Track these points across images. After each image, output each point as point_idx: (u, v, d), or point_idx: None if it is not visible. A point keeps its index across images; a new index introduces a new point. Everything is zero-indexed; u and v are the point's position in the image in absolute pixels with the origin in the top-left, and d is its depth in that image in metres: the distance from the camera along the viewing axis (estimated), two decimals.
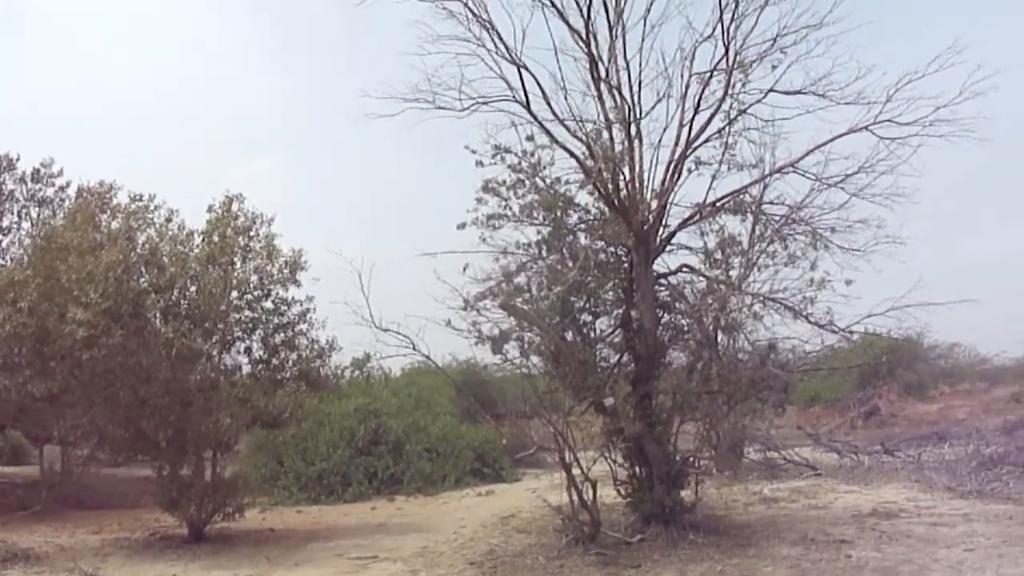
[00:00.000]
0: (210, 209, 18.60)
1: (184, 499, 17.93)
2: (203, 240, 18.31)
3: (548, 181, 15.89)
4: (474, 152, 15.84)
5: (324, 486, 24.70)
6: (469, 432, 27.39)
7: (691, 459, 16.86)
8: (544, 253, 15.99)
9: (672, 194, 16.28)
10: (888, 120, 16.13)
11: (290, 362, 18.91)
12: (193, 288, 17.75)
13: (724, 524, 17.22)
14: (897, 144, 16.19)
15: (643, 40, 16.25)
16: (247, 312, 18.53)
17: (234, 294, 18.20)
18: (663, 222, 16.30)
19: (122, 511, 22.05)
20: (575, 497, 15.36)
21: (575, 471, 15.36)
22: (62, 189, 25.70)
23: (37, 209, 25.45)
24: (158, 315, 17.23)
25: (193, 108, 61.44)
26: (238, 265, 18.35)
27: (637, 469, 16.28)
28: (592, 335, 16.46)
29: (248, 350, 18.76)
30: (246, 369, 18.80)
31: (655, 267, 16.35)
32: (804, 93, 16.33)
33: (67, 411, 21.57)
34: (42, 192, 25.63)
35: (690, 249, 16.91)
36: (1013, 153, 47.31)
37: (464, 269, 15.47)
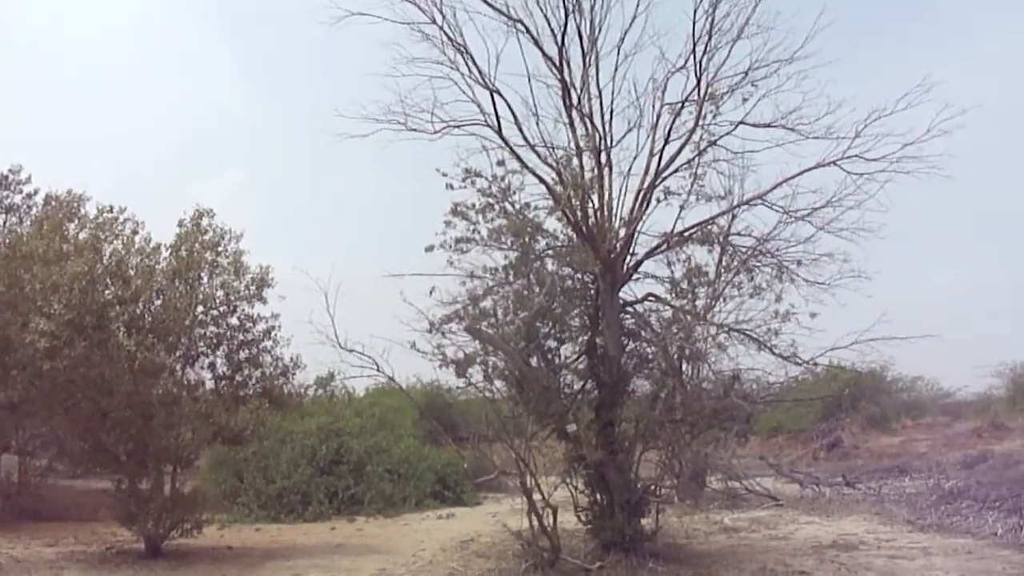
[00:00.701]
0: (180, 223, 18.50)
1: (142, 513, 17.75)
2: (170, 254, 18.20)
3: (517, 206, 15.95)
4: (445, 175, 15.92)
5: (284, 504, 24.51)
6: (431, 454, 27.29)
7: (652, 487, 16.86)
8: (511, 278, 15.99)
9: (640, 223, 16.41)
10: (856, 155, 16.36)
11: (253, 379, 18.81)
12: (158, 301, 17.64)
13: (684, 553, 17.21)
14: (864, 179, 16.41)
15: (616, 69, 16.47)
16: (212, 327, 18.43)
17: (199, 309, 18.10)
18: (630, 250, 16.41)
19: (79, 524, 21.76)
20: (535, 523, 15.33)
21: (536, 496, 15.33)
22: (29, 196, 25.44)
23: (3, 216, 25.21)
24: (122, 327, 17.03)
25: (164, 121, 61.07)
26: (205, 280, 18.27)
27: (598, 496, 16.27)
28: (557, 361, 16.46)
29: (212, 365, 18.65)
30: (209, 385, 18.67)
31: (621, 295, 16.43)
32: (774, 126, 16.54)
33: (26, 421, 21.40)
34: (9, 199, 25.38)
35: (657, 278, 17.07)
36: (978, 189, 47.93)
37: (431, 292, 15.50)
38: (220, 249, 18.45)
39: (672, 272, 17.03)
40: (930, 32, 60.07)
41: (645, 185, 16.29)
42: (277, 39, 61.94)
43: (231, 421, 18.28)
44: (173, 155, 59.79)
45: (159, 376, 17.61)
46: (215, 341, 18.49)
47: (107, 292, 17.11)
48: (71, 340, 15.96)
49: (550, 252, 16.28)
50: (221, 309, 18.48)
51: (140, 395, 17.00)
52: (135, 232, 18.10)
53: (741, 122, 16.59)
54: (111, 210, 18.31)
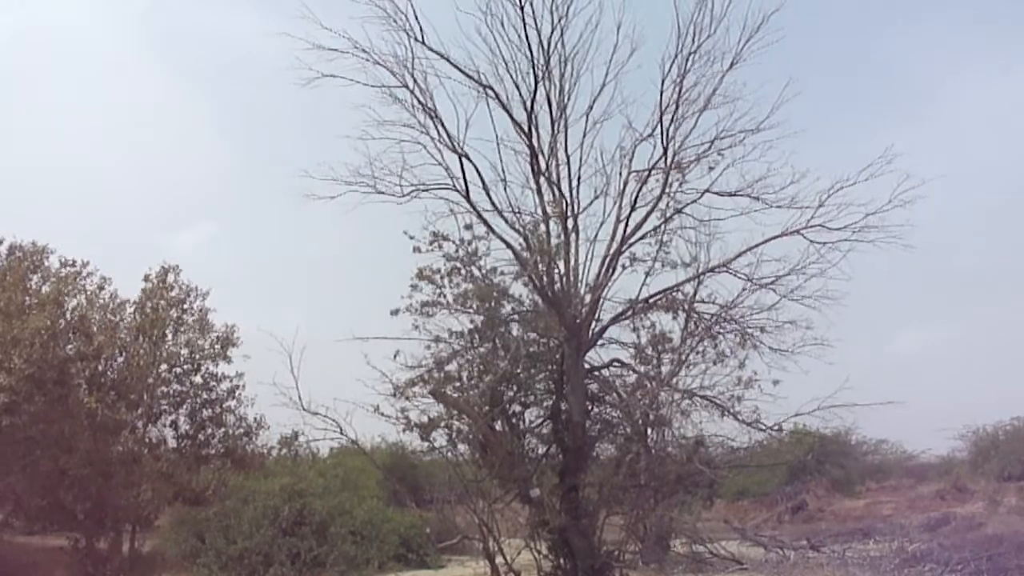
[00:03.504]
0: (146, 279, 18.43)
1: (99, 574, 17.52)
2: (135, 310, 18.12)
3: (483, 271, 15.97)
4: (412, 238, 15.91)
5: (245, 566, 24.01)
6: (395, 516, 26.88)
7: (616, 552, 16.82)
8: (476, 342, 15.97)
9: (606, 289, 16.46)
10: (819, 224, 16.52)
11: (216, 438, 18.72)
12: (121, 358, 17.54)
13: None
14: (827, 248, 16.54)
15: (584, 136, 16.59)
16: (175, 385, 18.37)
17: (163, 366, 18.01)
18: (596, 316, 16.43)
19: None
20: None
21: (499, 561, 15.28)
22: None
23: None
24: (83, 384, 16.92)
25: (129, 174, 60.58)
26: (169, 337, 18.20)
27: (562, 560, 16.17)
28: (521, 425, 16.44)
29: (174, 424, 18.55)
30: (171, 443, 18.52)
31: (586, 360, 16.42)
32: (739, 195, 16.69)
33: None
34: None
35: (622, 344, 17.06)
36: (937, 254, 48.58)
37: (395, 355, 15.42)
38: (186, 306, 18.42)
39: (637, 338, 17.07)
40: (893, 103, 61.10)
41: (611, 251, 16.39)
42: (252, 95, 61.86)
43: (193, 480, 18.13)
44: (141, 207, 59.38)
45: (120, 434, 17.50)
46: (178, 399, 18.40)
47: (69, 347, 17.02)
48: (31, 396, 15.81)
49: (516, 317, 16.29)
50: (185, 367, 18.42)
51: (100, 453, 16.86)
52: (100, 287, 18.02)
53: (707, 190, 16.74)
54: (74, 264, 18.24)
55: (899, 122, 53.77)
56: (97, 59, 57.34)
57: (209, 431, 18.63)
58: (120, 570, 17.56)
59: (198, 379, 18.50)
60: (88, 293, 17.97)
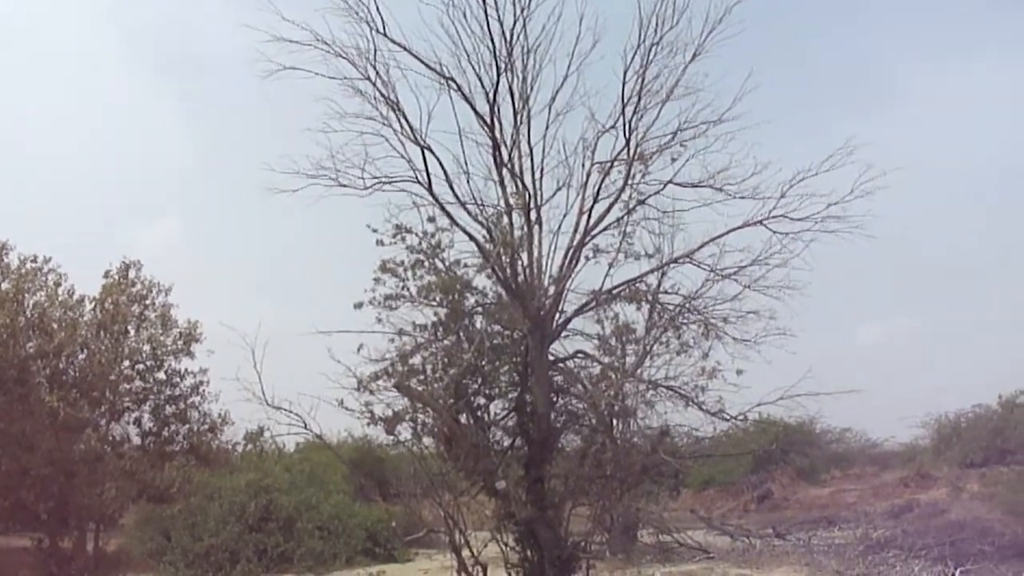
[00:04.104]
0: (106, 275, 18.26)
1: (63, 573, 17.37)
2: (95, 307, 17.94)
3: (447, 263, 15.89)
4: (375, 231, 15.82)
5: (212, 563, 23.93)
6: (362, 511, 26.84)
7: (583, 543, 16.83)
8: (440, 335, 15.93)
9: (569, 280, 16.44)
10: (782, 215, 16.58)
11: (180, 435, 18.59)
12: (82, 355, 17.36)
13: None
14: (790, 238, 16.62)
15: (547, 128, 16.54)
16: (138, 382, 18.23)
17: (125, 363, 17.86)
18: (560, 308, 16.42)
19: None
20: None
21: (465, 554, 15.26)
22: None
23: None
24: (44, 382, 16.75)
25: (91, 169, 59.91)
26: (131, 334, 18.05)
27: (529, 552, 16.12)
28: (486, 418, 16.37)
29: (137, 421, 18.40)
30: (135, 440, 18.37)
31: (551, 352, 16.40)
32: (702, 186, 16.75)
33: None
34: None
35: (586, 335, 17.04)
36: (900, 247, 49.08)
37: (359, 349, 15.36)
38: (148, 302, 18.26)
39: (601, 329, 17.09)
40: (854, 94, 61.57)
41: (574, 243, 16.39)
42: (217, 88, 61.37)
43: (157, 478, 18.02)
44: (103, 202, 58.82)
45: (82, 432, 17.35)
46: (141, 396, 18.27)
47: (29, 345, 16.84)
48: None
49: (479, 309, 16.24)
50: (148, 363, 18.30)
51: (62, 451, 16.72)
52: (58, 284, 17.82)
53: (670, 182, 16.79)
54: (35, 260, 18.03)
55: (861, 113, 54.31)
56: (60, 51, 56.82)
57: (173, 428, 18.52)
58: (85, 569, 17.42)
59: (161, 375, 18.39)
60: (48, 290, 17.74)
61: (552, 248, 16.47)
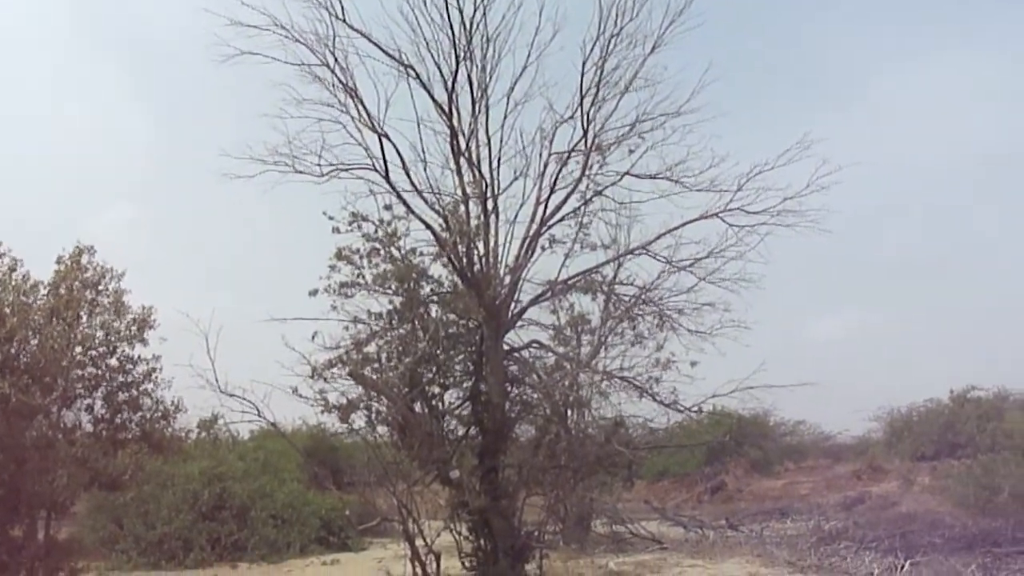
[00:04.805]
0: (59, 260, 18.01)
1: (14, 563, 17.05)
2: (48, 292, 17.70)
3: (403, 251, 15.86)
4: (332, 218, 15.75)
5: (165, 551, 23.80)
6: (316, 499, 26.76)
7: (536, 532, 16.91)
8: (395, 323, 15.90)
9: (525, 270, 16.56)
10: (738, 208, 16.80)
11: (133, 422, 18.36)
12: (34, 341, 17.07)
13: None
14: (746, 231, 16.82)
15: (505, 117, 16.64)
16: (91, 368, 17.96)
17: (78, 349, 17.62)
18: (515, 297, 16.51)
19: None
20: (418, 569, 15.27)
21: (419, 542, 15.28)
22: None
23: None
24: None
25: (46, 154, 59.10)
26: (84, 320, 17.81)
27: (482, 541, 16.22)
28: (440, 407, 16.38)
29: (90, 408, 18.13)
30: (87, 427, 18.14)
31: (506, 342, 16.49)
32: (659, 178, 16.90)
33: None
34: None
35: (541, 325, 17.16)
36: (854, 242, 49.72)
37: (313, 337, 15.30)
38: (101, 288, 18.02)
39: (557, 319, 17.21)
40: (812, 90, 62.17)
41: (531, 233, 16.47)
42: (174, 73, 60.73)
43: (109, 465, 17.78)
44: (58, 187, 58.07)
45: (33, 418, 17.04)
46: (93, 383, 18.01)
47: None
48: None
49: (435, 298, 16.24)
50: (100, 350, 18.03)
51: (13, 438, 16.38)
52: (12, 269, 17.54)
53: (627, 173, 16.93)
54: None
55: (819, 109, 54.92)
56: (9, 32, 55.93)
57: (126, 415, 18.25)
58: (36, 558, 17.12)
59: (114, 362, 18.12)
60: (2, 275, 17.46)
61: (508, 238, 16.59)
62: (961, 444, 39.06)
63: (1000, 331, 56.97)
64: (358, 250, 15.66)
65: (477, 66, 16.32)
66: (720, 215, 16.83)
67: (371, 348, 15.81)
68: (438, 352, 16.05)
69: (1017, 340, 55.14)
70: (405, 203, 15.90)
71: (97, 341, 17.94)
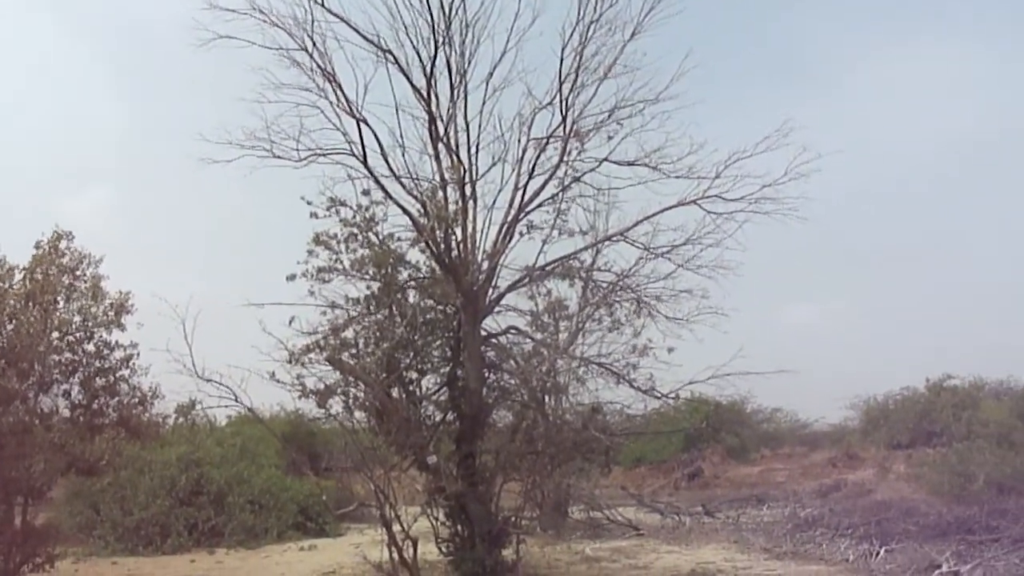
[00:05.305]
0: (37, 245, 17.90)
1: None
2: (24, 276, 17.60)
3: (381, 237, 15.82)
4: (309, 203, 15.68)
5: (142, 536, 23.81)
6: (294, 485, 26.78)
7: (513, 518, 16.98)
8: (373, 309, 15.89)
9: (503, 256, 16.57)
10: (716, 195, 16.85)
11: (110, 408, 18.26)
12: (10, 326, 16.98)
13: None
14: (724, 219, 16.89)
15: (483, 103, 16.61)
16: (68, 354, 17.85)
17: (55, 334, 17.52)
18: (493, 283, 16.52)
19: None
20: (395, 554, 15.31)
21: (396, 528, 15.31)
22: None
23: None
24: None
25: (21, 137, 58.74)
26: (61, 305, 17.70)
27: (459, 527, 16.29)
28: (418, 393, 16.39)
29: (67, 393, 18.02)
30: (64, 413, 18.05)
31: (483, 327, 16.50)
32: (637, 165, 16.93)
33: None
34: None
35: (519, 311, 17.15)
36: (831, 229, 50.06)
37: (291, 322, 15.29)
38: (78, 273, 17.92)
39: (535, 305, 17.21)
40: (791, 78, 62.42)
41: (509, 219, 16.49)
42: (151, 56, 60.42)
43: (86, 451, 17.70)
44: (34, 171, 57.72)
45: (10, 404, 16.96)
46: (70, 368, 17.89)
47: None
48: None
49: (412, 284, 16.25)
50: (77, 335, 17.90)
51: None
52: None
53: (605, 159, 16.95)
54: None
55: (798, 97, 55.23)
56: None
57: (103, 400, 18.15)
58: (12, 544, 17.05)
59: (91, 347, 18.00)
60: None
61: (486, 223, 16.59)
62: (937, 432, 39.37)
63: (977, 319, 57.50)
64: (336, 235, 15.61)
65: (456, 51, 16.30)
66: (698, 202, 16.88)
67: (348, 333, 15.82)
68: (416, 338, 16.07)
69: (993, 328, 55.64)
70: (383, 188, 15.87)
71: (74, 327, 17.82)
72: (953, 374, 43.25)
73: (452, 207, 15.98)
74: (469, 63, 16.48)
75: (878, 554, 18.98)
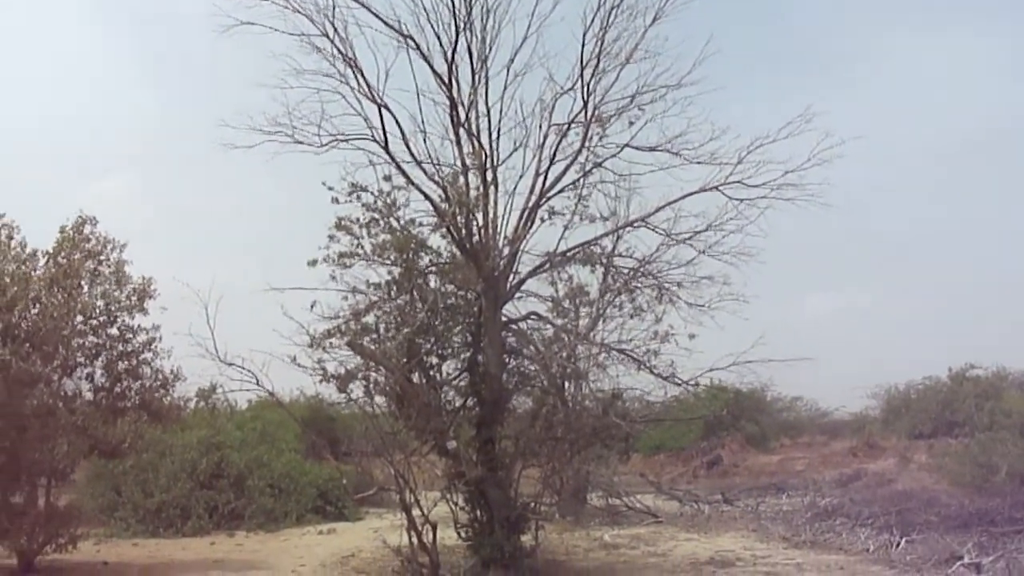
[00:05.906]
0: (62, 230, 18.04)
1: (15, 528, 17.18)
2: (48, 261, 17.74)
3: (402, 222, 15.85)
4: (331, 189, 15.72)
5: (163, 519, 23.99)
6: (313, 469, 26.91)
7: (533, 504, 16.97)
8: (394, 294, 15.91)
9: (524, 242, 16.55)
10: (738, 181, 16.78)
11: (132, 391, 18.42)
12: (35, 310, 17.11)
13: (564, 570, 17.42)
14: (745, 205, 16.83)
15: (505, 88, 16.60)
16: (91, 337, 18.01)
17: (78, 318, 17.66)
18: (514, 269, 16.53)
19: None
20: (415, 539, 15.36)
21: (415, 512, 15.35)
22: None
23: None
24: None
25: (49, 123, 59.09)
26: (85, 289, 17.85)
27: (478, 512, 16.30)
28: (438, 378, 16.41)
29: (90, 376, 18.19)
30: (87, 396, 18.21)
31: (504, 313, 16.51)
32: (659, 150, 16.90)
33: None
34: None
35: (539, 297, 17.13)
36: (853, 216, 49.81)
37: (312, 306, 15.31)
38: (102, 258, 18.06)
39: (555, 291, 17.15)
40: (815, 64, 62.03)
41: (530, 204, 16.49)
42: (176, 42, 60.69)
43: (109, 433, 17.86)
44: (60, 156, 58.10)
45: (34, 387, 17.10)
46: (94, 352, 18.07)
47: None
48: None
49: (433, 269, 16.25)
50: (101, 319, 18.08)
51: (13, 406, 16.46)
52: (10, 237, 17.56)
53: (627, 145, 16.93)
54: None
55: (822, 82, 54.83)
56: (15, 4, 55.83)
57: (125, 383, 18.33)
58: (36, 524, 17.27)
59: (114, 331, 18.17)
60: (0, 243, 17.50)
61: (507, 209, 16.58)
62: (959, 422, 39.13)
63: (1001, 309, 57.07)
64: (357, 220, 15.64)
65: (477, 37, 16.29)
66: (720, 188, 16.83)
67: (369, 318, 15.84)
68: (436, 323, 16.09)
69: (1017, 318, 55.21)
70: (404, 174, 15.89)
71: (98, 311, 17.99)
72: (976, 364, 42.95)
73: (473, 192, 15.99)
74: (490, 48, 16.50)
75: (898, 544, 18.85)
